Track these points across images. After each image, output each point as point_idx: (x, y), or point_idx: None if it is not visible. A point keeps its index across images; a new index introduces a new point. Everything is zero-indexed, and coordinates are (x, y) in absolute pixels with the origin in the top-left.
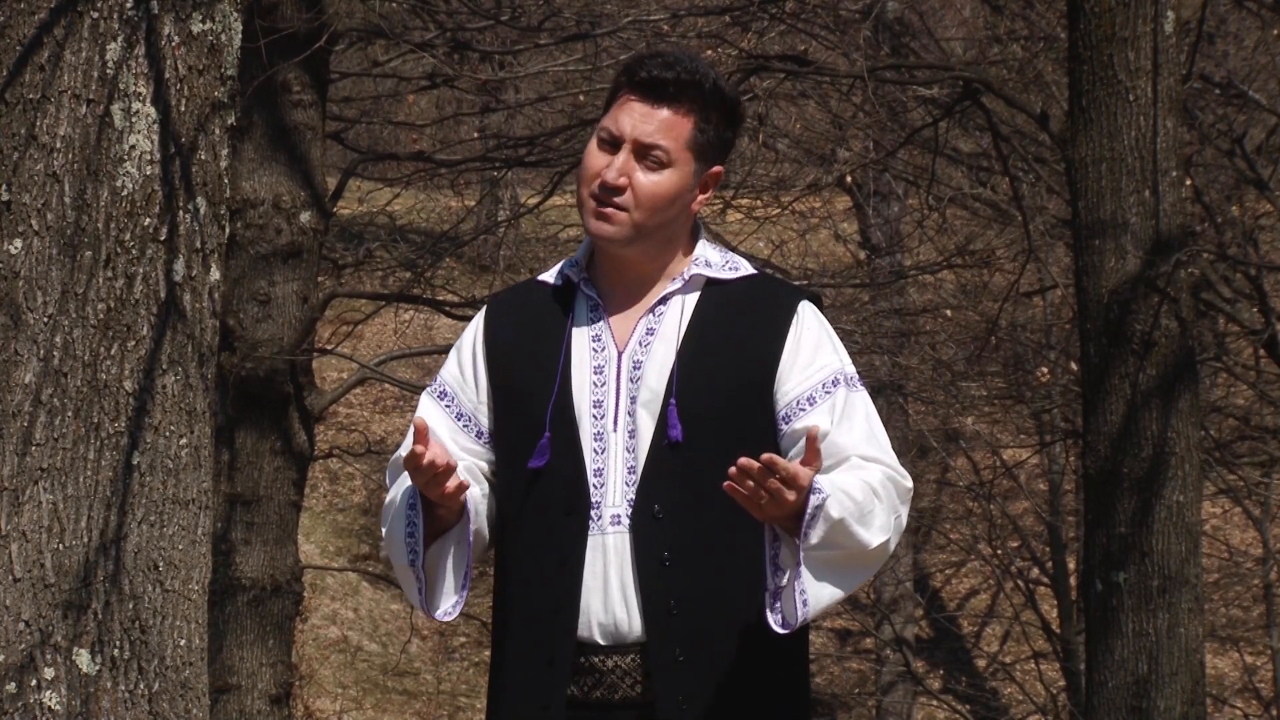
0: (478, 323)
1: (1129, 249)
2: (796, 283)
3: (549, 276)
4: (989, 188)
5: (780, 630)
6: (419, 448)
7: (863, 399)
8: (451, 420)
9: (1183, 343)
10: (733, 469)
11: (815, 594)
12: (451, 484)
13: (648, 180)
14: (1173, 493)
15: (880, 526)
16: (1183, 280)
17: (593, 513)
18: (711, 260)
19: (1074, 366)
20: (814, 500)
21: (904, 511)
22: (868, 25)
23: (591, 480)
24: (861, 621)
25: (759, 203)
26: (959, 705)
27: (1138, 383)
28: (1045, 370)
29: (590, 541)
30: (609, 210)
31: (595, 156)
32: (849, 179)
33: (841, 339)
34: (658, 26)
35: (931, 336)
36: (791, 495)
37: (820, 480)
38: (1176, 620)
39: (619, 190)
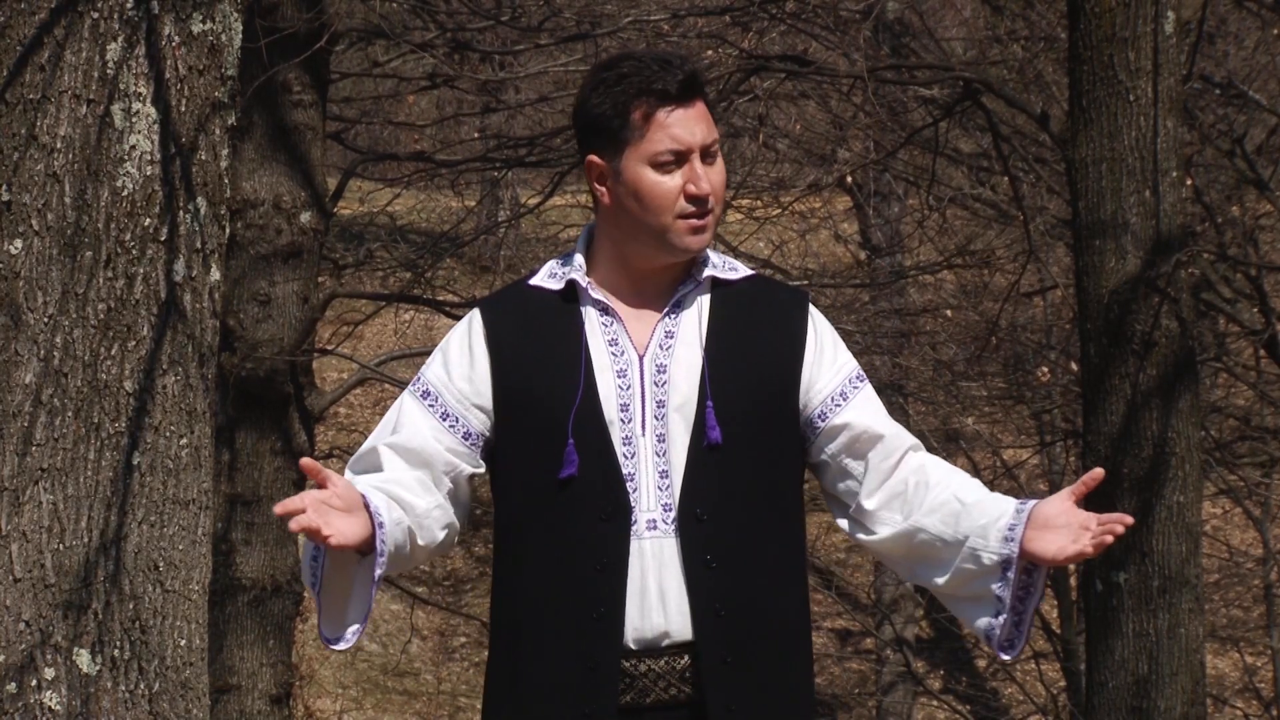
0: (474, 325)
1: (1129, 249)
2: (795, 282)
3: (544, 280)
4: (989, 188)
5: (1012, 655)
6: (286, 515)
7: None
8: (436, 420)
9: (1183, 343)
10: (1118, 527)
11: None
12: (335, 542)
13: (716, 174)
14: (1173, 493)
15: None
16: (1183, 280)
17: (630, 517)
18: (715, 261)
19: (1074, 366)
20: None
21: None
22: (868, 25)
23: (626, 485)
24: (862, 621)
25: (759, 203)
26: (959, 705)
27: (1138, 383)
28: (1045, 370)
29: (632, 547)
30: (705, 223)
31: (664, 183)
32: (849, 179)
33: (841, 339)
34: (658, 26)
35: (931, 336)
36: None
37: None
38: (1177, 620)
39: (709, 198)
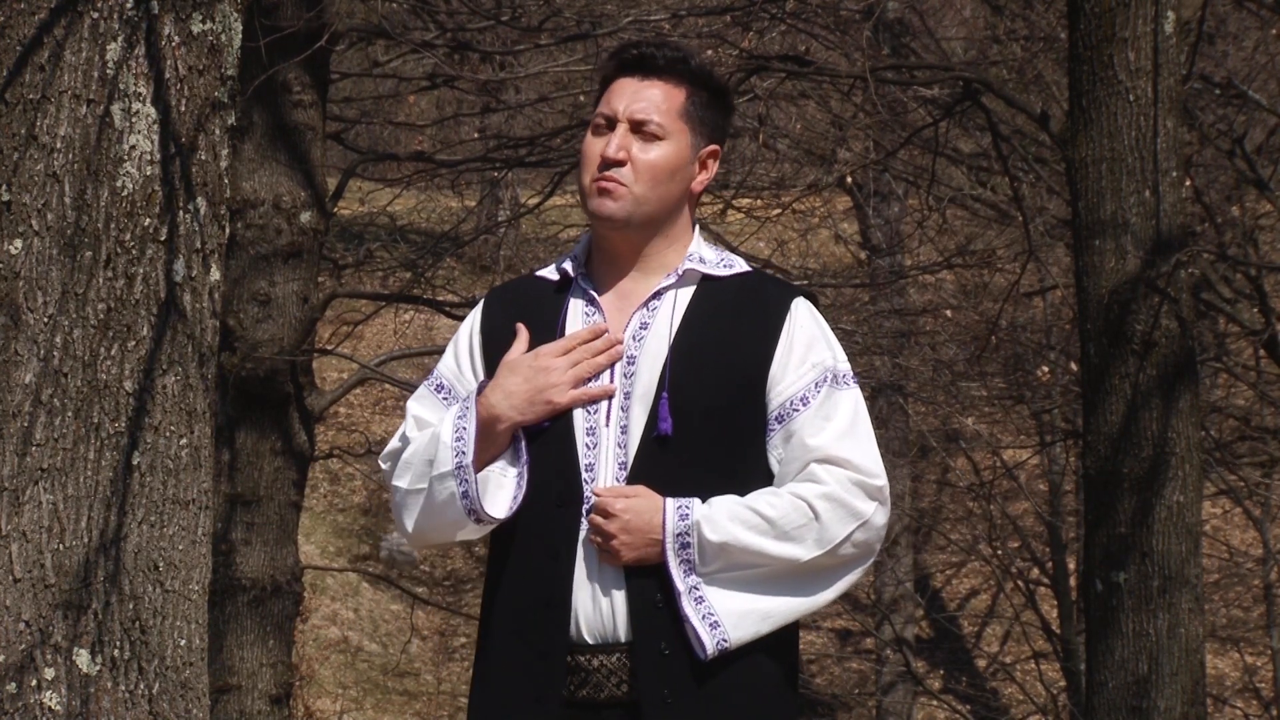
0: (475, 315)
1: (1129, 249)
2: (796, 282)
3: (547, 271)
4: (989, 188)
5: (706, 656)
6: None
7: (848, 396)
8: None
9: (1183, 343)
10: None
11: (730, 608)
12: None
13: (646, 153)
14: (1173, 493)
15: (816, 540)
16: (1183, 280)
17: (585, 507)
18: (706, 257)
19: (1074, 366)
20: (679, 526)
21: (873, 509)
22: (868, 25)
23: (583, 475)
24: (862, 621)
25: (759, 203)
26: (959, 705)
27: (1138, 383)
28: (1045, 370)
29: (582, 536)
30: (610, 186)
31: (592, 144)
32: (849, 179)
33: (842, 339)
34: (658, 26)
35: (931, 337)
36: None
37: (695, 507)
38: (1177, 620)
39: (619, 164)
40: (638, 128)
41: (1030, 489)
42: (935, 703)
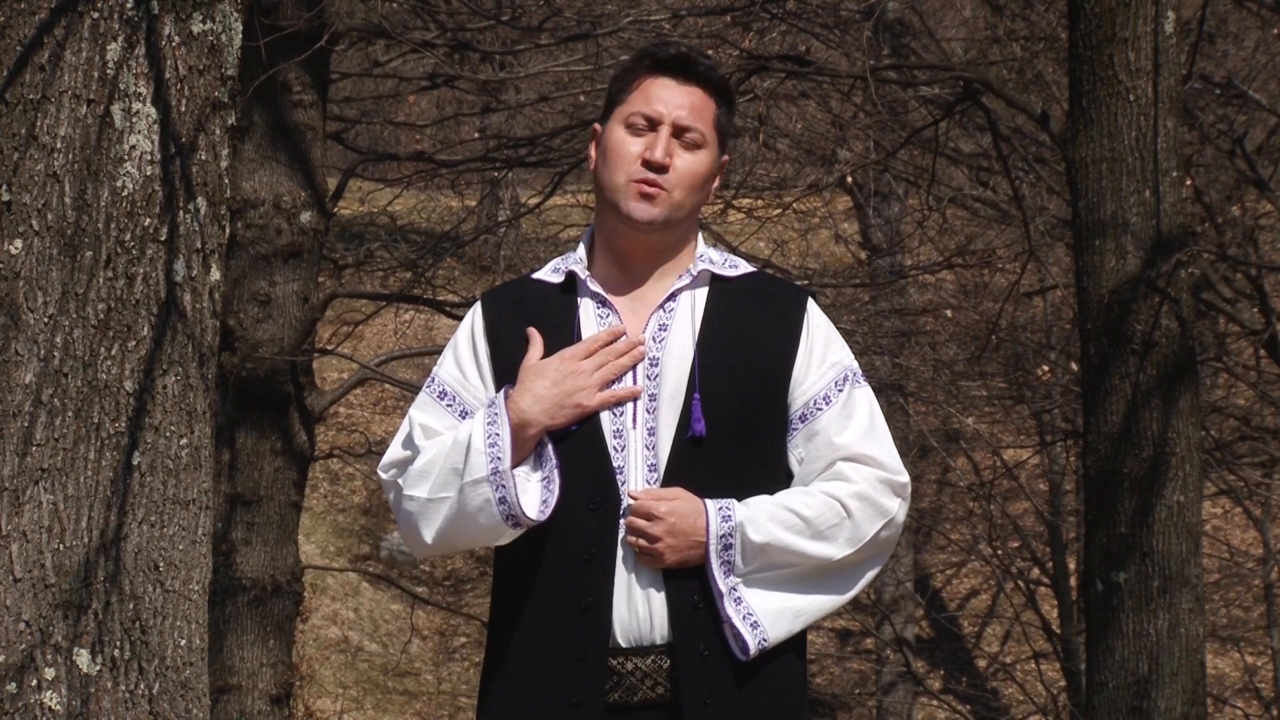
0: (475, 320)
1: (1129, 249)
2: (797, 282)
3: (547, 275)
4: (989, 188)
5: (749, 656)
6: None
7: (865, 394)
8: (456, 419)
9: (1183, 343)
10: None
11: (767, 607)
12: (624, 393)
13: (687, 159)
14: (1173, 493)
15: (848, 539)
16: (1183, 280)
17: (620, 509)
18: (713, 258)
19: (1074, 366)
20: (722, 528)
21: (897, 506)
22: (868, 25)
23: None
24: (862, 621)
25: (760, 203)
26: (959, 705)
27: (1138, 383)
28: (1045, 370)
29: (619, 539)
30: (653, 191)
31: (629, 142)
32: (849, 179)
33: (841, 337)
34: (658, 26)
35: (932, 336)
36: (659, 530)
37: (735, 508)
38: (1177, 620)
39: (665, 169)
40: (680, 133)
41: (1030, 489)
42: (935, 703)
